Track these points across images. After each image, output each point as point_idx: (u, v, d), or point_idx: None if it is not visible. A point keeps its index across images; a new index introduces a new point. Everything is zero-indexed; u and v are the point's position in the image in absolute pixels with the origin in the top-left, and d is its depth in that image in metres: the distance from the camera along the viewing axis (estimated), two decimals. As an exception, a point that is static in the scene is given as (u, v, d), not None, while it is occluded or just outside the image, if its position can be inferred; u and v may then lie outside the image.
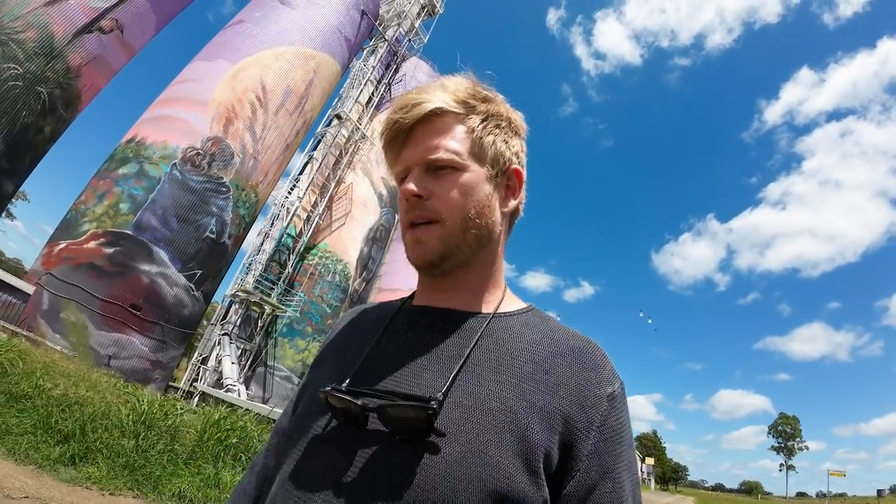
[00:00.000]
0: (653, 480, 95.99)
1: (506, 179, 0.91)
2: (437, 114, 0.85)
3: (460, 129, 0.87)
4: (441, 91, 0.87)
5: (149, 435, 6.72)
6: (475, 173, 0.86)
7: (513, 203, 0.93)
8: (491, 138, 0.88)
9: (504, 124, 0.91)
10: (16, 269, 35.48)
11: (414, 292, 0.99)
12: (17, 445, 5.52)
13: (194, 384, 23.45)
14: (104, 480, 5.57)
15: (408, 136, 0.87)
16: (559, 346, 0.82)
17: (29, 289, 18.21)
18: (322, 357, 0.98)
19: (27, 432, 5.83)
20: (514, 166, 0.92)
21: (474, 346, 0.81)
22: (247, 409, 10.14)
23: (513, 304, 0.92)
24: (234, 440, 7.45)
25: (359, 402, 0.71)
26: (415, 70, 34.10)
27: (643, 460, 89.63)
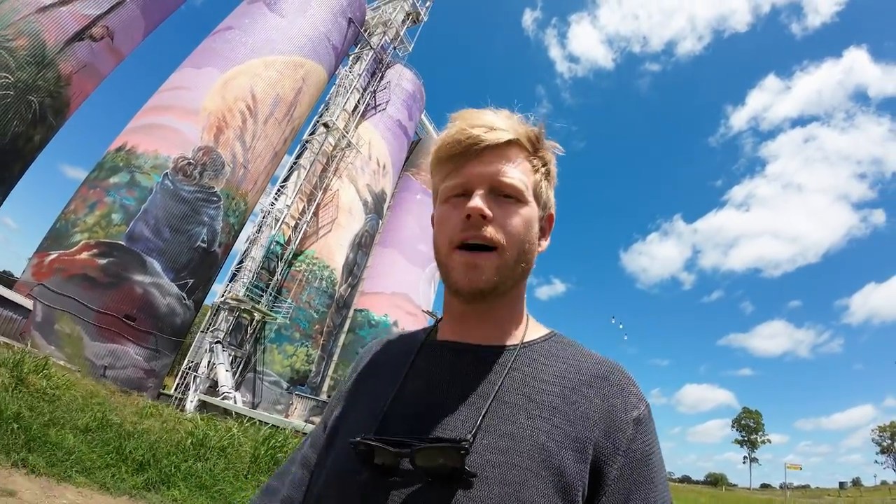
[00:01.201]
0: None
1: (545, 222, 0.95)
2: (510, 143, 0.87)
3: (526, 166, 0.89)
4: (509, 121, 0.89)
5: (210, 456, 7.30)
6: (533, 210, 0.89)
7: (545, 244, 0.95)
8: (545, 183, 0.93)
9: (551, 173, 0.95)
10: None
11: (437, 323, 1.00)
12: (105, 478, 6.04)
13: (185, 391, 23.68)
14: (188, 502, 6.15)
15: (478, 154, 0.86)
16: (584, 374, 0.83)
17: (28, 303, 18.21)
18: (350, 393, 0.97)
19: (109, 465, 6.35)
20: (552, 212, 0.96)
21: (502, 382, 0.82)
22: (279, 426, 10.71)
23: (536, 331, 0.93)
24: (281, 455, 8.09)
25: (391, 450, 0.73)
26: (399, 77, 34.67)
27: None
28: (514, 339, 0.89)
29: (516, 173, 0.86)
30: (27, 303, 18.41)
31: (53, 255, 20.48)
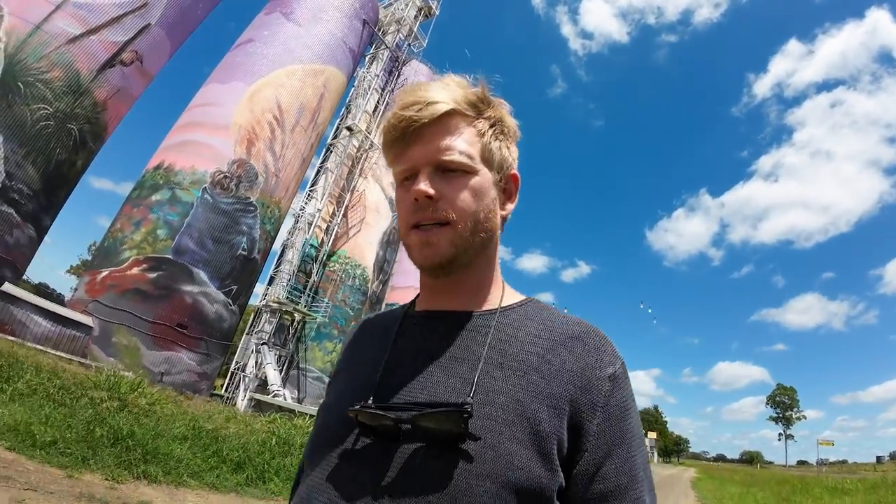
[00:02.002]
0: (656, 454, 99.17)
1: (504, 184, 0.93)
2: (448, 114, 0.85)
3: (470, 132, 0.87)
4: (446, 90, 0.87)
5: (293, 452, 8.24)
6: (484, 177, 0.87)
7: (510, 207, 0.94)
8: (497, 143, 0.90)
9: (507, 130, 0.92)
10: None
11: (416, 297, 1.00)
12: (212, 479, 7.00)
13: (235, 391, 25.08)
14: (283, 493, 7.08)
15: (417, 134, 0.85)
16: (559, 334, 0.84)
17: (88, 321, 19.49)
18: (339, 374, 0.98)
19: (212, 467, 7.31)
20: (514, 171, 0.94)
21: (488, 346, 0.83)
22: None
23: (513, 297, 0.94)
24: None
25: (392, 416, 0.74)
26: (415, 74, 35.20)
27: (646, 435, 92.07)
28: (492, 305, 0.91)
29: (460, 145, 0.85)
30: (87, 321, 19.69)
31: (105, 273, 21.71)
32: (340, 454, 0.79)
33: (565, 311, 0.97)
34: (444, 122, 0.85)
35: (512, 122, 0.94)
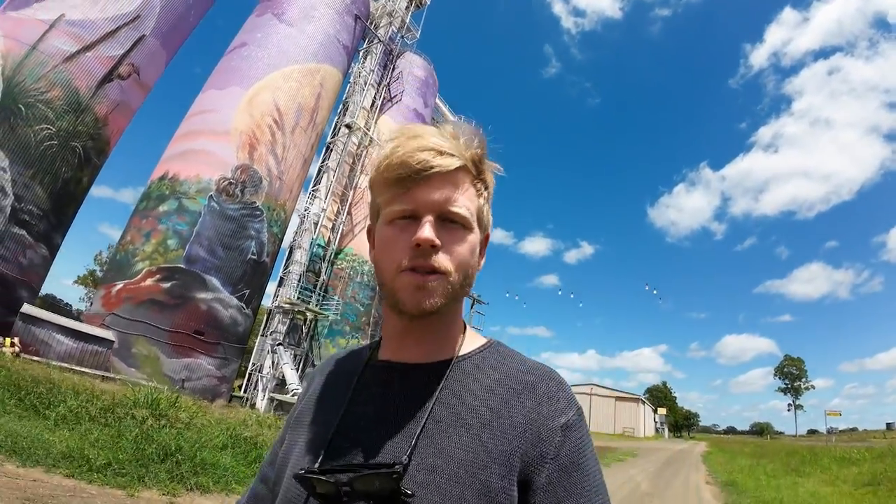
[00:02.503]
0: (666, 429, 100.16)
1: (482, 242, 0.94)
2: (458, 168, 0.85)
3: (471, 191, 0.88)
4: (455, 143, 0.86)
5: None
6: (476, 235, 0.89)
7: (482, 263, 0.95)
8: (487, 206, 0.93)
9: (490, 195, 0.94)
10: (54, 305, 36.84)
11: (380, 340, 0.99)
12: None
13: (254, 391, 25.63)
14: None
15: (427, 178, 0.83)
16: (514, 385, 0.84)
17: (108, 334, 19.88)
18: (300, 419, 0.97)
19: (255, 473, 7.66)
20: (488, 232, 0.96)
21: (434, 401, 0.83)
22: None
23: (473, 342, 0.94)
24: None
25: (330, 481, 0.73)
26: (410, 65, 35.27)
27: (656, 411, 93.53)
28: (450, 354, 0.90)
29: (464, 201, 0.85)
30: (108, 335, 20.09)
31: (119, 286, 22.08)
32: None
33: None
34: (455, 174, 0.85)
35: (492, 187, 0.96)
